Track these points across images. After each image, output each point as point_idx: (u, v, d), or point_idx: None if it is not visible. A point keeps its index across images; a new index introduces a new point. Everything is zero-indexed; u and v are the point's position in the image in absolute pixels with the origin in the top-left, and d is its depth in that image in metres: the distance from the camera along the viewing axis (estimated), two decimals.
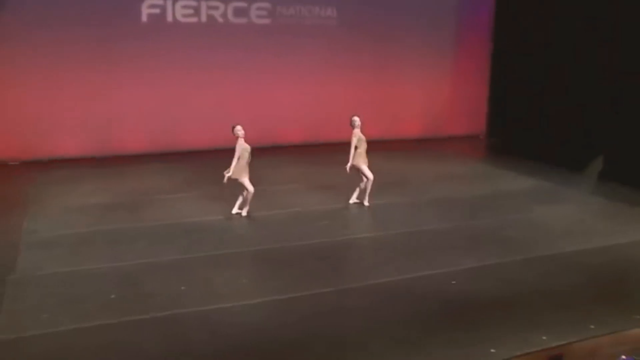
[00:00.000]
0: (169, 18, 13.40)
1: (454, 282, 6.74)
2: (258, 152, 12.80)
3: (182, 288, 6.66)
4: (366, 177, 9.11)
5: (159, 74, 13.28)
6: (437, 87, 15.56)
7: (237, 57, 13.76)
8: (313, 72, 14.36)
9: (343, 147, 12.79)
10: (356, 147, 8.97)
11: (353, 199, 9.33)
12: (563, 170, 11.78)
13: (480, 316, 6.04)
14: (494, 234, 8.21)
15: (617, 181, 10.87)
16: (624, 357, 4.34)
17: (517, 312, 6.19)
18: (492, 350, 5.32)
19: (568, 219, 9.24)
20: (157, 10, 13.27)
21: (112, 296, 6.47)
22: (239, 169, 8.63)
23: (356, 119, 8.99)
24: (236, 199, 9.06)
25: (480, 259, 7.40)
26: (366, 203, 9.23)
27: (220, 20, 13.70)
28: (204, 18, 13.59)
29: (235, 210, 8.92)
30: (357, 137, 8.90)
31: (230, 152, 11.46)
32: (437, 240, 7.95)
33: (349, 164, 8.92)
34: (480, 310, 6.18)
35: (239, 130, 8.63)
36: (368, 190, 9.12)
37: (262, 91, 14.00)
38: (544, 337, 5.57)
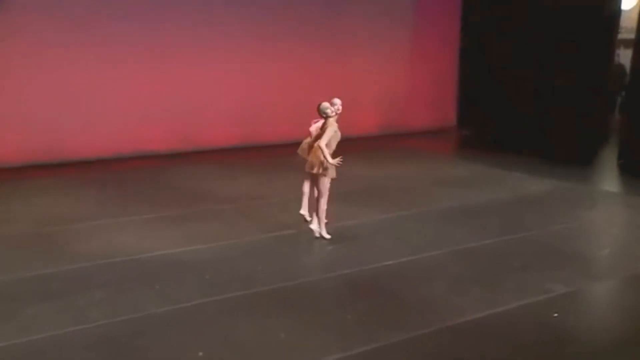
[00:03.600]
0: None
1: (556, 314, 6.45)
2: (178, 160, 12.75)
3: (200, 354, 5.58)
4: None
5: (31, 55, 11.66)
6: (397, 72, 15.37)
7: (142, 30, 12.53)
8: (243, 51, 13.51)
9: (280, 150, 12.82)
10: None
11: (305, 211, 8.56)
12: (570, 167, 12.22)
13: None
14: (557, 249, 8.17)
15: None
16: None
17: None
18: None
19: (623, 224, 9.44)
20: None
21: None
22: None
23: (337, 101, 8.14)
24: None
25: (566, 281, 7.25)
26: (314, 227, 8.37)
27: None
28: None
29: (318, 232, 8.36)
30: (333, 129, 7.94)
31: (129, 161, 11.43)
32: (494, 261, 7.76)
33: (332, 161, 7.81)
34: (621, 352, 5.82)
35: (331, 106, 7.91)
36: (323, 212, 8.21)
37: (177, 77, 12.94)
38: None
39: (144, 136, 12.75)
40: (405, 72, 15.44)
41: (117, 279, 7.10)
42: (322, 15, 14.19)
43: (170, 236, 8.37)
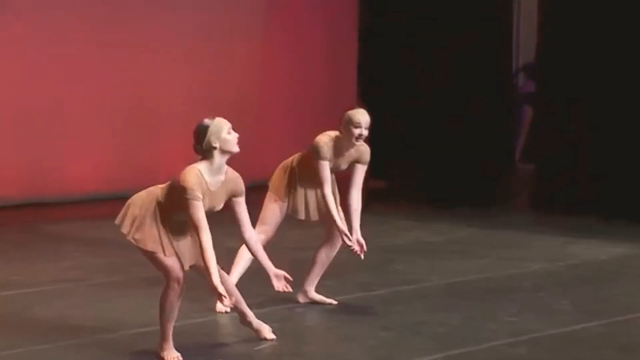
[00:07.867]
0: None
1: None
2: None
3: None
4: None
5: None
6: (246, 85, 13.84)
7: None
8: None
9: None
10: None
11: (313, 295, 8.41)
12: (627, 225, 11.61)
13: None
14: None
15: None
16: None
17: None
18: None
19: None
20: None
21: None
22: None
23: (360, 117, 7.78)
24: None
25: None
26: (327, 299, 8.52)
27: None
28: None
29: None
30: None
31: None
32: (618, 354, 6.86)
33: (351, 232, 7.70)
34: None
35: None
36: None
37: None
38: None
39: None
40: (253, 87, 13.95)
41: None
42: None
43: None
